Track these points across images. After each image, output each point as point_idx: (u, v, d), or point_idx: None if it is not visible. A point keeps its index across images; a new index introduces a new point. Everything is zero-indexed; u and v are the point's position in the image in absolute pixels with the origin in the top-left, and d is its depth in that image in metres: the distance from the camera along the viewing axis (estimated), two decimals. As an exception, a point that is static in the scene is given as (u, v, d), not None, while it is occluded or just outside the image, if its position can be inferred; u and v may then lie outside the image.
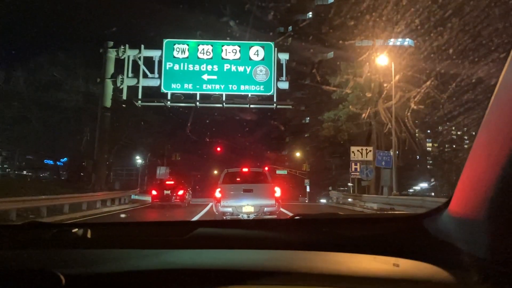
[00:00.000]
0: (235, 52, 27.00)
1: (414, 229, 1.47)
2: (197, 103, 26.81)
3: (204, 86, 26.75)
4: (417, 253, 1.33)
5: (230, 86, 26.76)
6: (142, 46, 27.21)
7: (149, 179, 49.40)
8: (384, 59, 22.57)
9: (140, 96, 26.82)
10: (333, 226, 1.69)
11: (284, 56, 27.27)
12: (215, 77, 26.82)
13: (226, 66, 26.90)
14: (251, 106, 27.02)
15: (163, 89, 26.69)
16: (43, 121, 36.83)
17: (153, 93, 27.69)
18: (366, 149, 25.03)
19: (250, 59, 27.00)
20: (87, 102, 32.20)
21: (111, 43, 27.27)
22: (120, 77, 26.71)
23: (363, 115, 26.72)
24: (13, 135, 37.79)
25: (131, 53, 27.17)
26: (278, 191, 12.33)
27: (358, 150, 25.07)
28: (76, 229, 1.61)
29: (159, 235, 1.73)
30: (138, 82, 26.79)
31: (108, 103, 26.64)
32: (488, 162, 1.05)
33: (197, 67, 26.87)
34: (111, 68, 27.19)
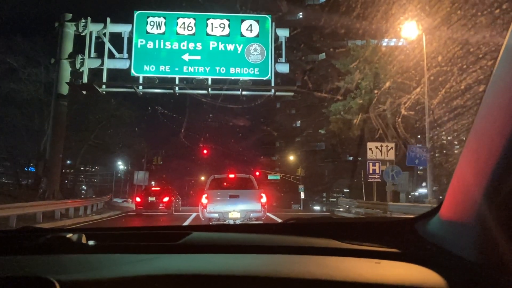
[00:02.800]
0: (223, 27, 21.91)
1: (406, 232, 1.48)
2: (176, 88, 21.56)
3: (184, 68, 21.60)
4: (409, 256, 1.33)
5: (217, 68, 21.66)
6: (108, 19, 21.94)
7: (130, 185, 44.27)
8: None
9: (104, 80, 21.49)
10: (326, 230, 1.68)
11: (283, 33, 22.25)
12: (198, 57, 21.69)
13: (212, 44, 21.80)
14: (244, 93, 21.88)
15: (133, 72, 21.45)
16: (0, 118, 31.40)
17: (121, 77, 22.44)
18: (387, 146, 20.09)
19: (242, 35, 21.95)
20: (50, 94, 26.92)
21: (69, 16, 21.96)
22: (79, 57, 21.37)
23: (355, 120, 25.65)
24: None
25: (94, 28, 21.89)
26: (264, 197, 12.58)
27: (377, 147, 20.10)
28: (71, 235, 1.52)
29: (154, 240, 1.67)
30: (102, 64, 21.50)
31: (64, 89, 21.26)
32: (477, 166, 1.07)
33: (176, 45, 21.70)
34: (68, 47, 21.84)
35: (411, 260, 1.30)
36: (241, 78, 21.67)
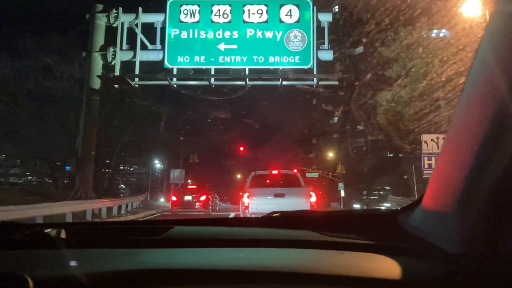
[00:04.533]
0: (261, 13, 20.40)
1: (388, 225, 1.49)
2: (212, 80, 20.23)
3: (220, 58, 20.22)
4: (388, 248, 1.33)
5: (255, 58, 20.17)
6: (140, 9, 20.87)
7: (167, 184, 43.70)
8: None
9: (137, 73, 20.44)
10: (308, 222, 1.67)
11: (325, 17, 20.53)
12: (234, 46, 20.27)
13: (250, 32, 20.33)
14: (284, 83, 20.32)
15: (167, 64, 20.26)
16: (37, 117, 31.23)
17: (154, 71, 21.32)
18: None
19: (281, 21, 20.37)
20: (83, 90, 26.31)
21: (100, 7, 21.04)
22: (111, 49, 20.39)
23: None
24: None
25: (125, 19, 20.86)
26: (313, 196, 11.55)
27: (432, 140, 18.03)
28: (49, 229, 1.53)
29: (136, 235, 1.66)
30: (134, 56, 20.43)
31: (95, 83, 20.34)
32: (458, 158, 1.09)
33: (211, 34, 20.37)
34: (100, 39, 20.91)
35: (390, 252, 1.30)
36: (281, 67, 20.14)
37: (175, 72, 20.39)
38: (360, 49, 24.53)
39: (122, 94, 29.12)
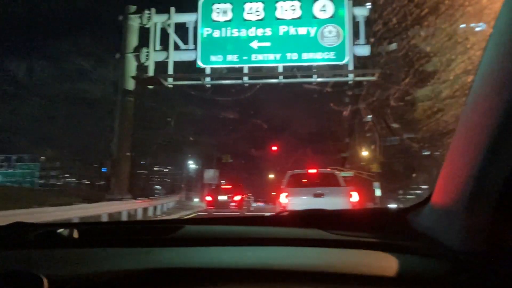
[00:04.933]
0: (294, 9, 19.97)
1: (397, 223, 1.48)
2: (245, 78, 19.95)
3: (253, 56, 19.93)
4: (399, 247, 1.32)
5: (289, 55, 19.77)
6: (172, 9, 20.83)
7: (201, 184, 43.85)
8: None
9: (171, 74, 20.38)
10: (316, 221, 1.62)
11: (361, 12, 19.90)
12: (267, 43, 19.93)
13: (283, 29, 19.94)
14: (318, 80, 19.82)
15: (199, 64, 20.13)
16: (73, 120, 31.93)
17: (187, 71, 21.22)
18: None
19: (315, 17, 19.88)
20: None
21: (133, 8, 21.11)
22: (144, 50, 20.43)
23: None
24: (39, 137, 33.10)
25: (158, 19, 20.86)
26: (355, 196, 10.85)
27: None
28: (62, 229, 1.53)
29: (146, 234, 1.65)
30: (168, 57, 20.40)
31: (129, 84, 20.41)
32: (466, 156, 1.09)
33: (243, 32, 20.10)
34: (133, 40, 20.99)
35: (399, 250, 1.29)
36: (315, 63, 19.67)
37: (208, 71, 20.24)
38: (393, 46, 23.74)
39: (156, 95, 29.34)
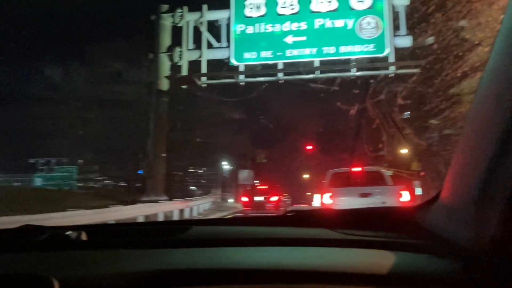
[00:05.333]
0: (330, 1, 19.17)
1: (406, 222, 1.46)
2: (280, 74, 19.31)
3: (288, 52, 19.27)
4: (408, 246, 1.31)
5: (325, 49, 19.00)
6: (205, 7, 20.42)
7: (236, 185, 43.56)
8: None
9: (204, 72, 19.99)
10: (324, 221, 1.64)
11: (401, 1, 18.91)
12: (303, 38, 19.23)
13: (318, 22, 19.18)
14: (357, 74, 18.95)
15: (233, 61, 19.65)
16: (109, 122, 32.18)
17: (220, 69, 20.77)
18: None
19: (352, 8, 19.03)
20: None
21: (165, 7, 20.84)
22: (177, 50, 20.12)
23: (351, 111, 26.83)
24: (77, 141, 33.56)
25: (190, 18, 20.51)
26: (406, 195, 10.17)
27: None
28: (70, 232, 1.55)
29: (154, 235, 1.69)
30: (201, 55, 20.00)
31: (163, 84, 20.15)
32: (474, 154, 1.10)
33: (277, 27, 19.47)
34: (166, 40, 20.73)
35: (408, 249, 1.28)
36: (353, 57, 18.83)
37: (241, 69, 19.73)
38: (431, 40, 22.61)
39: (191, 95, 29.14)
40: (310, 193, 52.44)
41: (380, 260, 1.24)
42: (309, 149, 43.93)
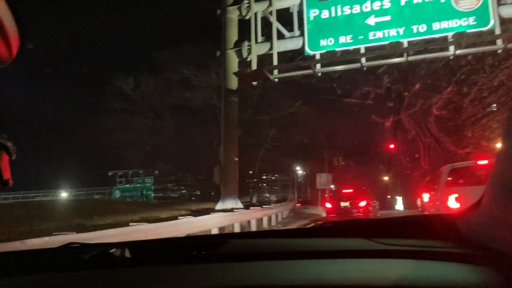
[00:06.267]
0: (417, -28, 16.52)
1: (447, 230, 1.38)
2: (363, 60, 16.90)
3: (370, 34, 16.84)
4: (450, 255, 1.25)
5: (415, 27, 16.34)
6: (273, -6, 18.58)
7: (311, 190, 41.22)
8: None
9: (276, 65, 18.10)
10: (362, 231, 1.52)
11: (506, -38, 15.80)
12: (387, 17, 16.72)
13: (404, -2, 16.61)
14: (457, 52, 16.03)
15: (308, 50, 17.59)
16: (181, 130, 31.46)
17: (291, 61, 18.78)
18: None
19: (444, -23, 16.23)
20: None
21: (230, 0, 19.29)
22: (246, 44, 18.42)
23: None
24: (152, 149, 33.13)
25: (258, 8, 18.75)
26: None
27: None
28: (114, 249, 1.56)
29: (194, 250, 1.63)
30: (271, 48, 18.15)
31: (232, 82, 18.49)
32: None
33: (356, 9, 17.13)
34: (233, 35, 19.10)
35: (451, 259, 1.22)
36: (450, 33, 16.00)
37: (318, 58, 17.60)
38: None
39: (261, 99, 27.52)
40: (389, 196, 48.99)
41: (426, 271, 1.19)
42: (392, 148, 40.59)
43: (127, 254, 1.53)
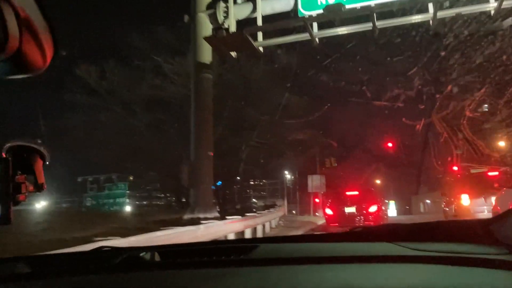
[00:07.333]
0: None
1: (481, 235, 1.38)
2: (375, 21, 12.79)
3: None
4: (485, 261, 1.21)
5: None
6: None
7: (301, 194, 37.25)
8: None
9: (260, 35, 13.96)
10: (392, 236, 1.53)
11: None
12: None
13: None
14: (496, 5, 12.01)
15: (302, 11, 13.50)
16: (153, 127, 27.32)
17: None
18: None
19: None
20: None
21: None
22: (222, 5, 14.26)
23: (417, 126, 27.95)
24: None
25: (237, -40, 14.64)
26: None
27: None
28: (144, 253, 1.60)
29: (223, 255, 1.64)
30: (255, 9, 14.05)
31: (205, 53, 14.27)
32: None
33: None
34: (205, -6, 14.91)
35: (485, 265, 1.19)
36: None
37: (315, 26, 13.52)
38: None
39: (247, 84, 23.52)
40: (387, 200, 45.51)
41: (459, 278, 1.15)
42: (390, 147, 36.89)
43: (157, 258, 1.55)
